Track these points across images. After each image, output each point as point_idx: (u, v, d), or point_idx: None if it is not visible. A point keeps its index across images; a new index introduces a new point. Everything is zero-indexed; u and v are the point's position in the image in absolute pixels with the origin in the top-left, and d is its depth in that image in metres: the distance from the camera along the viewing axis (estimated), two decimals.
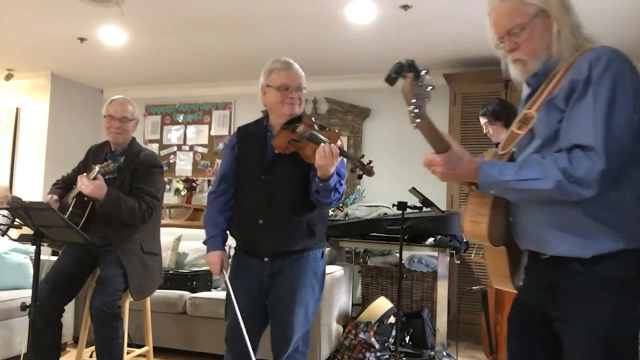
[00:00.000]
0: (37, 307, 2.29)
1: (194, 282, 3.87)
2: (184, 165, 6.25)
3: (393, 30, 4.23)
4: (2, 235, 2.89)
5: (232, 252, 3.98)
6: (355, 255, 4.92)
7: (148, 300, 3.01)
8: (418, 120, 1.24)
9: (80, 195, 2.65)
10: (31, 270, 3.21)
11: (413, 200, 3.39)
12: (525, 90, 1.47)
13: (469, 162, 1.32)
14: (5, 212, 2.74)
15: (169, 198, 5.95)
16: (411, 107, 1.22)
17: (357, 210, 4.21)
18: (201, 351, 3.65)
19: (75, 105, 6.15)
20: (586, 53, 1.29)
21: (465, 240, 3.75)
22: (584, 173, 1.19)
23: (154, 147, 6.24)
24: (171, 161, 6.26)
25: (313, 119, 2.17)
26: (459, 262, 4.25)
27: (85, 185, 2.47)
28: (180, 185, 5.99)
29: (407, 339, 3.85)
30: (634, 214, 1.26)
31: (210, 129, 6.17)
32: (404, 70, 1.22)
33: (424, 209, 3.54)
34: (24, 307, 2.28)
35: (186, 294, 3.76)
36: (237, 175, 2.26)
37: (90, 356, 3.09)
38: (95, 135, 5.78)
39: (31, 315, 2.27)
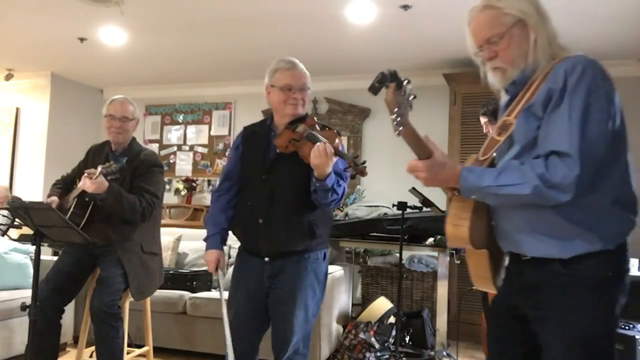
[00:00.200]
0: (37, 307, 2.29)
1: (194, 282, 3.87)
2: (184, 165, 6.25)
3: (393, 30, 4.23)
4: (2, 235, 2.89)
5: (231, 251, 4.02)
6: (355, 255, 4.91)
7: (148, 300, 3.01)
8: (401, 129, 1.27)
9: (81, 195, 2.65)
10: (31, 270, 3.21)
11: (413, 200, 3.39)
12: (504, 98, 1.52)
13: (450, 168, 1.36)
14: (5, 212, 2.74)
15: (169, 198, 5.95)
16: (394, 116, 1.25)
17: (357, 210, 4.21)
18: (201, 351, 3.65)
19: (75, 105, 6.15)
20: (562, 62, 1.34)
21: None
22: (561, 178, 1.23)
23: (154, 147, 6.24)
24: (171, 161, 6.26)
25: (315, 118, 2.16)
26: (459, 262, 4.25)
27: (88, 185, 2.47)
28: (180, 185, 5.99)
29: (407, 339, 3.85)
30: (610, 216, 1.31)
31: (210, 129, 6.17)
32: (387, 80, 1.26)
33: (424, 209, 3.53)
34: (24, 307, 2.29)
35: (186, 294, 3.76)
36: (240, 175, 2.27)
37: (90, 356, 3.09)
38: (95, 135, 5.78)
39: (31, 315, 2.27)
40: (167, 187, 5.84)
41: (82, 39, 4.64)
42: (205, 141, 6.19)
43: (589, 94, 1.27)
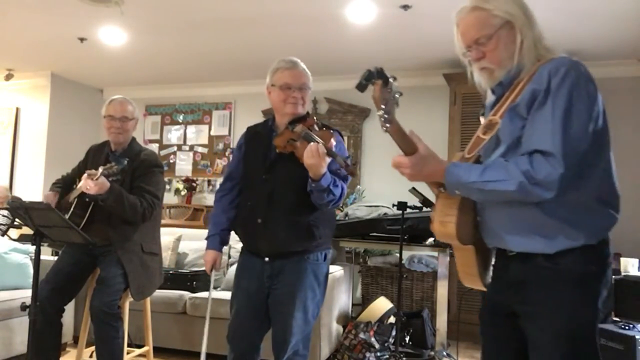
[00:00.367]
0: (37, 307, 2.29)
1: (194, 282, 3.87)
2: (184, 165, 6.25)
3: (393, 30, 4.23)
4: (2, 235, 2.89)
5: (231, 251, 4.01)
6: (355, 255, 4.91)
7: (148, 300, 3.01)
8: (388, 125, 1.30)
9: (81, 196, 2.65)
10: (31, 270, 3.21)
11: (413, 200, 3.39)
12: (489, 97, 1.56)
13: (435, 163, 1.39)
14: (5, 212, 2.74)
15: (169, 198, 5.95)
16: (381, 112, 1.28)
17: (357, 210, 4.21)
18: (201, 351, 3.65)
19: (75, 105, 6.16)
20: (546, 63, 1.37)
21: None
22: (544, 176, 1.27)
23: (154, 147, 6.25)
24: (171, 161, 6.26)
25: (315, 118, 2.16)
26: None
27: (89, 186, 2.46)
28: (180, 185, 6.00)
29: (407, 339, 3.85)
30: (593, 212, 1.36)
31: (210, 129, 6.17)
32: (373, 77, 1.28)
33: (424, 209, 3.53)
34: (24, 307, 2.29)
35: (186, 294, 3.76)
36: (242, 175, 2.29)
37: (90, 356, 3.09)
38: (95, 135, 5.78)
39: (31, 315, 2.27)
40: (167, 187, 5.84)
41: (82, 39, 4.64)
42: (205, 141, 6.19)
43: (571, 94, 1.30)
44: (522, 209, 1.36)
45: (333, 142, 1.97)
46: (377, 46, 4.59)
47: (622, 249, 4.18)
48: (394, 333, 3.58)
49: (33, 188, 5.71)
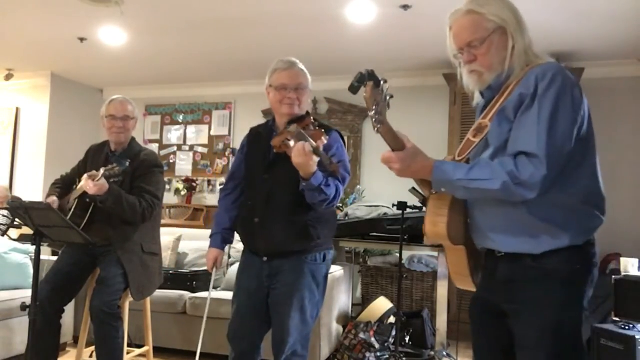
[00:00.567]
0: (37, 307, 2.29)
1: (194, 282, 3.86)
2: (184, 165, 6.25)
3: (393, 30, 4.23)
4: (2, 235, 2.89)
5: (231, 251, 4.01)
6: (355, 255, 4.91)
7: (148, 300, 3.01)
8: (379, 126, 1.34)
9: (82, 196, 2.65)
10: (31, 270, 3.21)
11: (413, 200, 3.39)
12: (477, 99, 1.60)
13: (423, 159, 1.42)
14: (5, 212, 2.74)
15: (169, 198, 5.96)
16: (372, 113, 1.32)
17: (357, 210, 4.21)
18: (201, 351, 3.65)
19: (75, 105, 6.16)
20: (534, 68, 1.41)
21: None
22: (528, 177, 1.31)
23: (154, 147, 6.25)
24: (171, 161, 6.26)
25: (312, 118, 2.16)
26: None
27: (90, 187, 2.47)
28: (180, 185, 6.00)
29: (407, 339, 3.85)
30: (579, 214, 1.39)
31: (210, 129, 6.17)
32: (365, 79, 1.32)
33: (424, 209, 3.53)
34: (24, 307, 2.28)
35: (186, 294, 3.76)
36: (244, 175, 2.31)
37: (90, 356, 3.09)
38: (95, 135, 5.78)
39: (31, 315, 2.27)
40: (167, 187, 5.84)
41: (82, 39, 4.64)
42: (205, 141, 6.19)
43: (557, 99, 1.34)
44: (510, 211, 1.40)
45: (324, 140, 1.96)
46: (377, 46, 4.60)
47: (622, 249, 4.18)
48: (394, 333, 3.58)
49: (33, 188, 5.71)
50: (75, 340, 3.26)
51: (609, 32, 4.10)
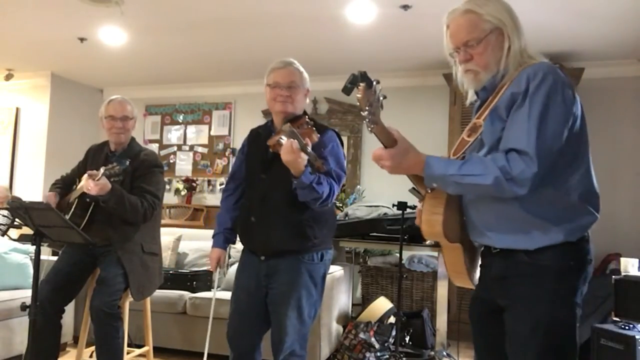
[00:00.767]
0: (37, 307, 2.29)
1: (194, 282, 3.87)
2: (184, 165, 6.25)
3: (393, 30, 4.23)
4: (2, 235, 2.89)
5: (231, 251, 4.01)
6: (355, 255, 4.91)
7: (148, 300, 3.01)
8: (373, 126, 1.35)
9: (82, 196, 2.65)
10: (31, 270, 3.21)
11: (413, 200, 3.36)
12: (471, 97, 1.62)
13: (415, 155, 1.43)
14: (5, 212, 2.74)
15: (169, 198, 5.95)
16: (365, 113, 1.32)
17: (357, 210, 4.21)
18: (201, 351, 3.62)
19: (75, 105, 6.16)
20: (527, 67, 1.44)
21: None
22: (519, 173, 1.33)
23: (154, 147, 6.25)
24: (171, 161, 6.26)
25: (307, 117, 2.16)
26: None
27: (91, 187, 2.46)
28: (180, 185, 6.00)
29: (407, 339, 3.85)
30: (573, 211, 1.42)
31: (210, 129, 6.17)
32: (358, 81, 1.33)
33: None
34: (24, 307, 2.28)
35: (186, 294, 3.76)
36: (244, 176, 2.34)
37: (90, 356, 3.09)
38: (95, 135, 5.77)
39: (31, 315, 2.27)
40: (167, 187, 5.84)
41: (82, 39, 4.64)
42: (205, 141, 6.19)
43: (548, 98, 1.36)
44: (504, 207, 1.42)
45: (314, 138, 1.98)
46: (377, 46, 4.59)
47: (622, 249, 4.18)
48: (394, 333, 3.58)
49: (33, 188, 5.70)
50: (75, 340, 3.26)
51: (609, 32, 4.10)
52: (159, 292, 3.13)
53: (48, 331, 2.63)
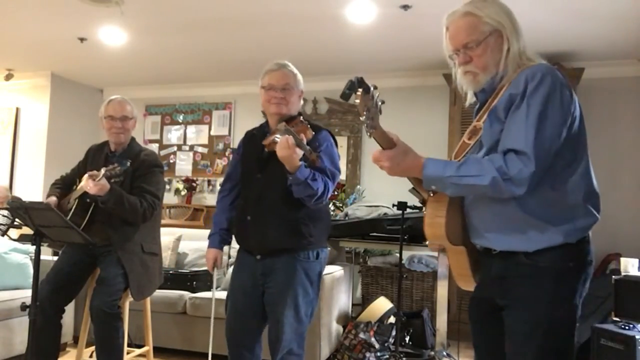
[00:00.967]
0: (37, 307, 2.29)
1: (194, 282, 3.87)
2: (184, 165, 6.25)
3: (393, 30, 4.23)
4: (2, 235, 2.89)
5: (231, 251, 4.01)
6: (355, 255, 4.91)
7: (148, 300, 3.01)
8: (372, 131, 1.36)
9: (82, 196, 2.65)
10: (31, 270, 3.21)
11: (413, 200, 3.38)
12: (470, 99, 1.63)
13: (413, 157, 1.44)
14: (5, 212, 2.74)
15: (169, 198, 5.95)
16: (363, 118, 1.34)
17: (357, 210, 4.21)
18: (201, 351, 3.65)
19: (75, 105, 6.16)
20: (525, 69, 1.44)
21: None
22: (516, 173, 1.34)
23: (154, 147, 6.25)
24: (171, 161, 6.26)
25: (301, 117, 2.18)
26: None
27: (90, 187, 2.47)
28: (180, 185, 6.00)
29: (407, 339, 3.85)
30: (572, 212, 1.42)
31: (210, 129, 6.17)
32: (355, 87, 1.34)
33: (424, 209, 3.53)
34: (24, 307, 2.29)
35: (186, 294, 3.76)
36: (240, 176, 2.34)
37: (90, 356, 3.09)
38: (95, 135, 5.78)
39: (31, 315, 2.27)
40: (167, 187, 5.84)
41: (82, 39, 4.64)
42: (205, 141, 6.19)
43: (546, 99, 1.37)
44: (503, 209, 1.43)
45: (309, 134, 2.01)
46: (377, 46, 4.59)
47: (622, 249, 4.18)
48: (394, 333, 3.58)
49: (33, 188, 5.70)
50: (75, 340, 3.26)
51: (609, 32, 4.10)
52: (159, 292, 3.13)
53: (48, 331, 2.63)
